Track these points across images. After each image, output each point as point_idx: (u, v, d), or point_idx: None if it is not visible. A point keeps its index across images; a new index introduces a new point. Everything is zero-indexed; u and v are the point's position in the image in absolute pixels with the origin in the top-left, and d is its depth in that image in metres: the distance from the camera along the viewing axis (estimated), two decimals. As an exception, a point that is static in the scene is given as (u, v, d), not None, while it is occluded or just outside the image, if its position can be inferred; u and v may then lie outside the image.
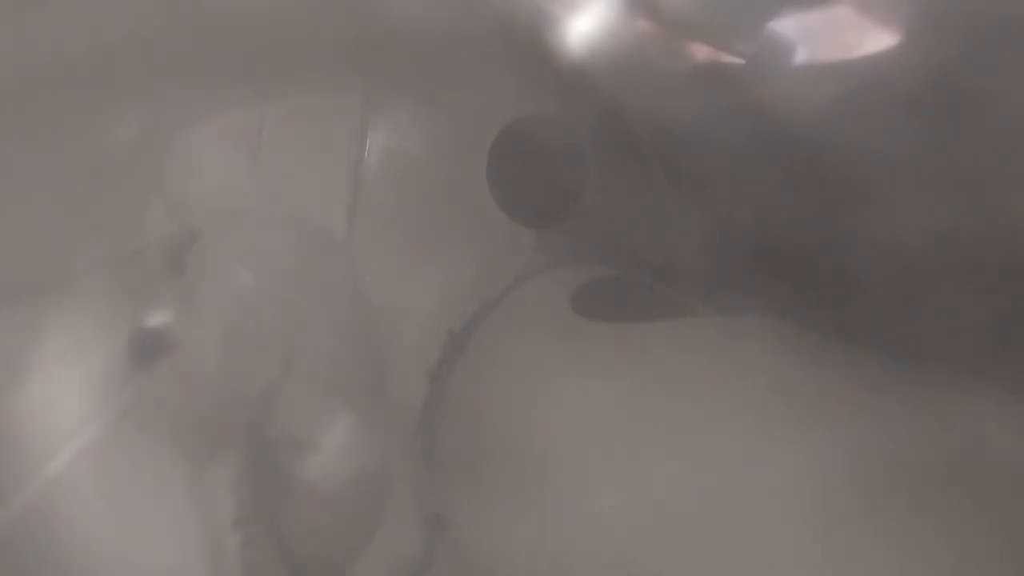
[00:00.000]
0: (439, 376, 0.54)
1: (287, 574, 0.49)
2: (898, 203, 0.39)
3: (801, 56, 0.42)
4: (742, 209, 0.49)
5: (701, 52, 0.47)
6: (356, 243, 0.54)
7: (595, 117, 0.58)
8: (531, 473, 0.45)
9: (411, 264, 0.55)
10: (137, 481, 0.49)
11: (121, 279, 0.51)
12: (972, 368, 0.38)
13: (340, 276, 0.50)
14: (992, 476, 0.33)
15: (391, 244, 0.55)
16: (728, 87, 0.46)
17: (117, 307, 0.53)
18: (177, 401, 0.50)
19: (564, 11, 0.52)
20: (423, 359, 0.57)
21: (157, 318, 0.52)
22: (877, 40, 0.39)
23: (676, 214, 0.53)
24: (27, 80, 0.46)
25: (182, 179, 0.51)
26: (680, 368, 0.44)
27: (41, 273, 0.48)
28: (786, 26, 0.43)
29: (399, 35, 0.58)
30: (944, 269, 0.37)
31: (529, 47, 0.54)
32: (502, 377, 0.52)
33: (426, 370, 0.57)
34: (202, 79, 0.56)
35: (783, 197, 0.46)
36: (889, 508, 0.33)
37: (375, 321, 0.52)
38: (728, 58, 0.47)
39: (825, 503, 0.34)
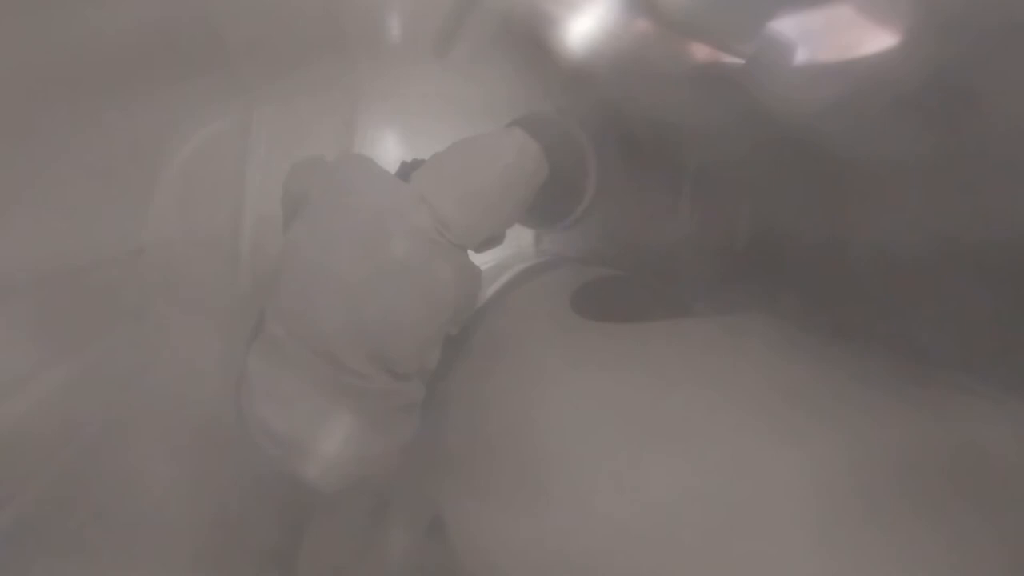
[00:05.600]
0: (438, 376, 0.55)
1: (287, 574, 0.49)
2: (897, 203, 0.39)
3: (801, 56, 0.43)
4: (742, 209, 0.50)
5: (701, 52, 0.47)
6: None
7: (595, 117, 0.58)
8: (531, 473, 0.45)
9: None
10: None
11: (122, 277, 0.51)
12: (972, 368, 0.38)
13: (339, 277, 0.50)
14: (992, 475, 0.33)
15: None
16: (728, 87, 0.46)
17: (119, 306, 0.53)
18: (177, 404, 0.50)
19: (564, 11, 0.52)
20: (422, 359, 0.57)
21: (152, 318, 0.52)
22: (877, 40, 0.39)
23: (676, 214, 0.53)
24: (28, 81, 0.46)
25: (182, 178, 0.51)
26: (680, 367, 0.44)
27: (43, 269, 0.48)
28: (786, 26, 0.43)
29: (398, 36, 0.58)
30: (943, 269, 0.37)
31: (529, 47, 0.54)
32: (502, 377, 0.52)
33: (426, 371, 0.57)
34: (199, 81, 0.56)
35: (783, 197, 0.46)
36: (889, 506, 0.33)
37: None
38: (728, 58, 0.47)
39: (825, 501, 0.34)
